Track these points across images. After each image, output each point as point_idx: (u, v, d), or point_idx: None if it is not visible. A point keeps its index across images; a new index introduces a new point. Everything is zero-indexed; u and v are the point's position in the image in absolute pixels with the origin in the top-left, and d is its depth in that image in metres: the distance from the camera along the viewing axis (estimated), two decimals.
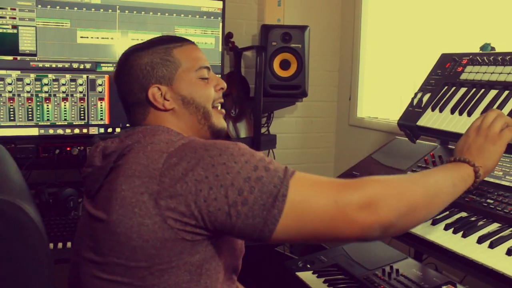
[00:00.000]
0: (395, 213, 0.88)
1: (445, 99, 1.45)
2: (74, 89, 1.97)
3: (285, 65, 2.43)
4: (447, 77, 1.52)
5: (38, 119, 1.93)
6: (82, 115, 2.00)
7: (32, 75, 1.91)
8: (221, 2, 2.18)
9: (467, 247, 1.06)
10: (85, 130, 2.01)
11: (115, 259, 0.90)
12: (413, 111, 1.52)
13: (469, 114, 1.35)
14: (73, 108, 1.98)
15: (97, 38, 2.00)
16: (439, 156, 1.50)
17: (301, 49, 2.41)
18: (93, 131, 2.02)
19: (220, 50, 2.21)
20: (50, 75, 1.94)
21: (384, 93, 2.68)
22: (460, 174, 1.02)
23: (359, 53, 2.72)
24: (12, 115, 1.89)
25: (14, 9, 1.87)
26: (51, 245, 1.60)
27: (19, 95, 1.89)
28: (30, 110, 1.92)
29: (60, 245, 1.61)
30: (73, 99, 1.98)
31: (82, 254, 0.97)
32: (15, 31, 1.87)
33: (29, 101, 1.91)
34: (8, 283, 0.70)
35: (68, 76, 1.96)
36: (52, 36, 1.93)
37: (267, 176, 0.86)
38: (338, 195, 0.86)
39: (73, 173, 2.00)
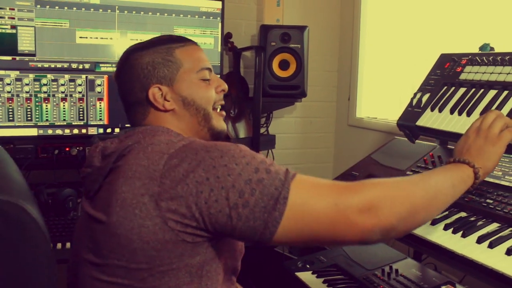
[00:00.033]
0: (396, 216, 0.88)
1: (444, 99, 1.45)
2: (73, 89, 1.97)
3: (284, 65, 2.43)
4: (446, 77, 1.52)
5: (37, 120, 1.93)
6: (81, 115, 1.99)
7: (31, 75, 1.91)
8: (220, 2, 2.18)
9: (467, 247, 1.07)
10: (84, 131, 2.00)
11: (115, 261, 0.89)
12: (413, 111, 1.52)
13: (468, 114, 1.35)
14: (72, 108, 1.98)
15: (96, 38, 1.99)
16: (438, 156, 1.50)
17: (300, 49, 2.41)
18: (92, 131, 2.02)
19: (219, 50, 2.21)
20: (49, 75, 1.94)
21: (383, 93, 2.68)
22: (459, 175, 1.02)
23: (358, 53, 2.72)
24: (11, 116, 1.88)
25: (13, 9, 1.86)
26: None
27: (18, 95, 1.89)
28: (29, 110, 1.91)
29: (59, 245, 1.61)
30: (72, 99, 1.97)
31: (81, 256, 0.97)
32: (14, 31, 1.87)
33: (28, 102, 1.91)
34: (12, 284, 0.70)
35: (67, 76, 1.96)
36: (51, 36, 1.92)
37: (268, 178, 0.86)
38: (339, 198, 0.86)
39: (72, 174, 2.00)
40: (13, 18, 1.87)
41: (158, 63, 1.04)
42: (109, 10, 1.99)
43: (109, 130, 2.04)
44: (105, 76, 2.01)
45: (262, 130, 2.65)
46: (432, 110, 1.46)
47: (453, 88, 1.47)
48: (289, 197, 0.85)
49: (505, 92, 1.31)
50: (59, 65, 1.94)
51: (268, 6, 2.56)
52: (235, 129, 2.46)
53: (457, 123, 1.36)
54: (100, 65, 2.01)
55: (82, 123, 2.00)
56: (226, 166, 0.86)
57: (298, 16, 2.75)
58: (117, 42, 2.02)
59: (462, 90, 1.43)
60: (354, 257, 1.75)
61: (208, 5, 2.16)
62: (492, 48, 1.56)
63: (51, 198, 1.78)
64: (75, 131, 1.99)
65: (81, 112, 1.99)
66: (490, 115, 1.10)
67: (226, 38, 2.46)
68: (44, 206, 1.76)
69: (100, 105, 2.02)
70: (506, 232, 1.11)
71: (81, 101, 1.99)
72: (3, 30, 1.86)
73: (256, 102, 2.34)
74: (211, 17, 2.18)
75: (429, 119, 1.44)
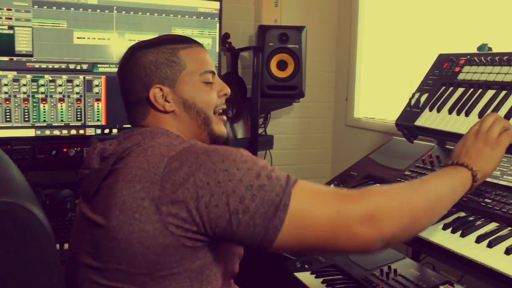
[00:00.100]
0: (397, 226, 0.88)
1: (442, 99, 1.46)
2: (70, 90, 1.97)
3: (282, 65, 2.43)
4: (444, 77, 1.52)
5: (35, 120, 1.92)
6: (78, 116, 1.99)
7: (29, 76, 1.90)
8: (218, 3, 2.18)
9: (466, 246, 1.07)
10: (81, 131, 2.00)
11: (115, 265, 0.88)
12: (411, 111, 1.52)
13: (467, 114, 1.35)
14: (69, 109, 1.97)
15: (94, 38, 1.99)
16: (436, 156, 1.50)
17: (298, 49, 2.41)
18: (90, 132, 2.01)
19: (217, 50, 2.21)
20: (46, 76, 1.93)
21: (380, 93, 2.69)
22: (459, 179, 1.02)
23: (356, 54, 2.73)
24: (8, 116, 1.88)
25: (10, 10, 1.86)
26: None
27: (15, 96, 1.89)
28: (26, 111, 1.91)
29: (57, 246, 1.61)
30: (69, 100, 1.97)
31: (80, 259, 0.96)
32: (11, 31, 1.86)
33: (26, 102, 1.90)
34: (19, 285, 0.70)
35: (64, 77, 1.96)
36: (48, 36, 1.92)
37: (269, 185, 0.85)
38: (341, 207, 0.85)
39: (70, 174, 1.99)
40: (10, 19, 1.86)
41: (161, 63, 1.03)
42: (107, 11, 1.99)
43: (107, 131, 2.04)
44: (103, 77, 2.01)
45: (260, 131, 2.65)
46: (430, 110, 1.47)
47: (451, 88, 1.47)
48: (290, 204, 0.84)
49: (503, 92, 1.32)
50: (56, 66, 1.94)
51: (266, 7, 2.56)
52: (233, 130, 2.46)
53: (456, 123, 1.36)
54: (98, 65, 2.00)
55: (79, 123, 1.99)
56: (227, 171, 0.85)
57: (296, 17, 2.75)
58: (115, 43, 2.02)
59: (460, 90, 1.44)
60: (352, 257, 1.75)
61: (206, 5, 2.16)
62: (490, 48, 1.56)
63: (49, 199, 1.78)
64: (73, 132, 1.99)
65: (78, 113, 1.99)
66: (489, 119, 1.10)
67: (224, 38, 2.46)
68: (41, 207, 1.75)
69: (97, 106, 2.01)
70: (505, 231, 1.11)
71: (78, 102, 1.98)
72: (1, 31, 1.85)
73: (254, 102, 2.34)
74: (209, 18, 2.18)
75: (428, 119, 1.45)
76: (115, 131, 2.05)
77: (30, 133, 1.92)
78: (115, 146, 0.97)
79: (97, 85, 2.00)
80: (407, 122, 1.51)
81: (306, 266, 1.70)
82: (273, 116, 2.78)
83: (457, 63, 1.52)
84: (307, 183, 0.90)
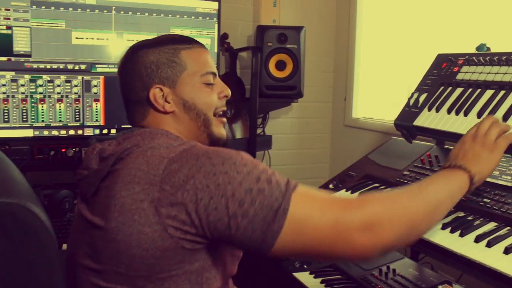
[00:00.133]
0: (396, 234, 0.87)
1: (441, 99, 1.46)
2: (69, 90, 1.96)
3: (280, 65, 2.43)
4: (443, 77, 1.52)
5: (33, 121, 1.92)
6: (77, 116, 1.99)
7: (27, 76, 1.90)
8: (216, 3, 2.18)
9: (465, 246, 1.07)
10: (80, 132, 2.00)
11: (114, 267, 0.88)
12: (410, 111, 1.52)
13: (466, 114, 1.36)
14: (68, 109, 1.97)
15: (92, 39, 1.99)
16: (435, 156, 1.50)
17: (296, 49, 2.41)
18: (88, 132, 2.01)
19: (216, 51, 2.21)
20: (45, 76, 1.93)
21: (379, 93, 2.69)
22: (457, 182, 1.01)
23: (354, 54, 2.73)
24: (6, 117, 1.87)
25: (8, 10, 1.86)
26: None
27: (13, 96, 1.88)
28: (24, 111, 1.90)
29: None
30: (68, 100, 1.97)
31: (79, 261, 0.95)
32: (9, 31, 1.86)
33: (24, 102, 1.90)
34: (22, 286, 0.69)
35: (63, 77, 1.95)
36: (46, 36, 1.92)
37: (269, 189, 0.84)
38: (340, 214, 0.85)
39: (68, 175, 1.99)
40: (9, 19, 1.86)
41: (162, 63, 1.02)
42: (105, 11, 1.99)
43: (105, 131, 2.03)
44: (101, 77, 2.01)
45: (259, 131, 2.65)
46: (429, 110, 1.47)
47: (450, 88, 1.47)
48: (289, 209, 0.84)
49: (502, 92, 1.32)
50: (55, 66, 1.94)
51: (265, 7, 2.56)
52: (231, 130, 2.46)
53: (454, 123, 1.36)
54: (96, 66, 2.00)
55: (78, 124, 1.99)
56: (227, 174, 0.84)
57: (295, 17, 2.75)
58: (113, 43, 2.01)
59: (459, 90, 1.44)
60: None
61: (204, 5, 2.16)
62: (488, 48, 1.57)
63: (47, 200, 1.77)
64: (71, 132, 1.98)
65: (77, 113, 1.98)
66: (486, 122, 1.10)
67: (223, 38, 2.46)
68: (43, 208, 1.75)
69: (96, 106, 2.01)
70: (504, 231, 1.11)
71: (77, 102, 1.98)
72: None
73: (252, 102, 2.34)
74: (208, 18, 2.18)
75: (427, 119, 1.45)
76: (113, 131, 2.05)
77: (28, 133, 1.92)
78: (114, 147, 0.96)
79: (95, 86, 2.00)
80: (406, 122, 1.51)
81: (305, 266, 1.70)
82: (271, 116, 2.78)
83: (455, 63, 1.52)
84: (307, 189, 0.89)
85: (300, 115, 2.89)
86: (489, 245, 1.06)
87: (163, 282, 0.88)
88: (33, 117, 1.92)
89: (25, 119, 1.91)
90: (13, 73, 1.88)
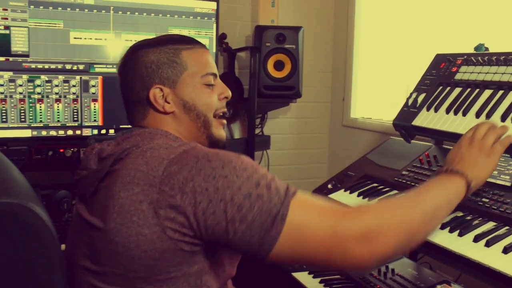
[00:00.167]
0: (393, 244, 0.87)
1: (440, 99, 1.46)
2: (67, 90, 1.96)
3: (279, 66, 2.43)
4: (442, 77, 1.53)
5: (31, 121, 1.92)
6: (75, 116, 1.98)
7: (25, 76, 1.90)
8: (215, 3, 2.18)
9: (464, 245, 1.07)
10: (78, 132, 1.99)
11: (113, 268, 0.88)
12: (408, 111, 1.52)
13: (464, 114, 1.36)
14: (66, 109, 1.96)
15: (91, 39, 1.98)
16: (434, 156, 1.51)
17: (295, 50, 2.41)
18: (87, 132, 2.01)
19: (214, 51, 2.21)
20: (43, 76, 1.92)
21: (377, 93, 2.69)
22: (454, 188, 1.01)
23: (353, 54, 2.73)
24: (4, 117, 1.87)
25: (6, 10, 1.85)
26: None
27: (11, 96, 1.88)
28: (22, 111, 1.90)
29: None
30: (66, 100, 1.96)
31: (77, 262, 0.95)
32: (7, 31, 1.86)
33: (22, 103, 1.90)
34: (24, 286, 0.69)
35: (61, 77, 1.95)
36: (44, 37, 1.91)
37: (268, 195, 0.84)
38: (338, 223, 0.84)
39: (67, 175, 1.98)
40: (6, 19, 1.85)
41: (163, 63, 1.02)
42: (103, 11, 1.98)
43: (103, 131, 2.03)
44: (100, 77, 2.00)
45: (257, 131, 2.65)
46: (428, 110, 1.47)
47: (448, 88, 1.47)
48: (288, 215, 0.83)
49: (500, 92, 1.32)
50: (53, 66, 1.93)
51: (263, 7, 2.56)
52: (230, 130, 2.46)
53: (453, 123, 1.37)
54: (95, 66, 2.00)
55: (76, 124, 1.99)
56: (226, 178, 0.84)
57: (293, 17, 2.75)
58: (112, 43, 2.01)
59: (457, 90, 1.44)
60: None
61: (202, 5, 2.16)
62: (487, 48, 1.57)
63: (46, 200, 1.77)
64: (69, 132, 1.98)
65: (75, 113, 1.98)
66: (483, 126, 1.10)
67: (221, 38, 2.46)
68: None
69: (94, 106, 2.01)
70: (502, 230, 1.11)
71: (75, 102, 1.98)
72: None
73: (251, 102, 2.34)
74: (206, 18, 2.18)
75: (425, 119, 1.45)
76: (111, 131, 2.04)
77: (27, 133, 1.91)
78: (113, 147, 0.96)
79: (93, 86, 2.00)
80: (404, 122, 1.51)
81: (304, 266, 1.70)
82: (270, 116, 2.78)
83: (454, 63, 1.52)
84: (306, 195, 0.88)
85: (299, 115, 2.89)
86: (488, 244, 1.06)
87: (161, 284, 0.88)
88: (31, 117, 1.91)
89: (23, 119, 1.90)
90: (11, 73, 1.87)
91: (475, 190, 1.05)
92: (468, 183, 1.01)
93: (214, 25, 2.20)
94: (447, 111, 1.41)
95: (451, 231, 1.12)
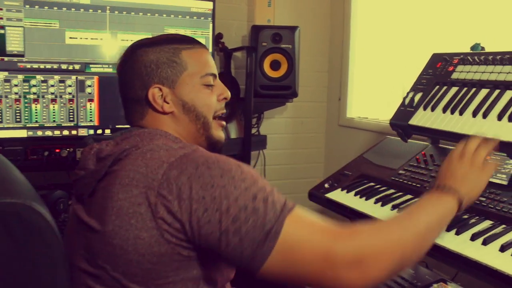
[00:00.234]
0: (385, 270, 0.85)
1: (436, 98, 1.47)
2: (63, 90, 1.95)
3: (275, 65, 2.43)
4: (438, 77, 1.53)
5: (26, 121, 1.90)
6: (71, 116, 1.97)
7: (20, 76, 1.88)
8: (211, 3, 2.18)
9: (461, 244, 1.08)
10: (74, 132, 1.98)
11: (111, 271, 0.87)
12: (405, 111, 1.53)
13: (461, 113, 1.36)
14: (62, 109, 1.95)
15: (86, 38, 1.97)
16: (430, 155, 1.51)
17: (291, 49, 2.41)
18: (83, 132, 2.00)
19: (210, 51, 2.21)
20: (38, 76, 1.91)
21: (373, 93, 2.70)
22: (446, 208, 0.97)
23: (349, 54, 2.73)
24: None
25: (1, 9, 1.84)
26: None
27: (6, 97, 1.86)
28: (18, 111, 1.89)
29: None
30: (62, 100, 1.95)
31: (75, 263, 0.93)
32: (2, 31, 1.84)
33: (17, 103, 1.88)
34: (28, 285, 0.69)
35: (56, 77, 1.94)
36: (40, 36, 1.90)
37: (264, 209, 0.83)
38: (331, 245, 0.82)
39: (63, 175, 1.97)
40: (1, 18, 1.84)
41: (163, 62, 1.01)
42: (99, 11, 1.97)
43: (99, 131, 2.02)
44: (96, 77, 2.00)
45: (253, 131, 2.65)
46: (424, 109, 1.48)
47: (445, 87, 1.48)
48: (281, 232, 0.82)
49: (497, 91, 1.33)
50: (48, 66, 1.92)
51: (259, 7, 2.56)
52: (226, 130, 2.45)
53: (450, 122, 1.37)
54: (90, 66, 1.99)
55: (72, 124, 1.98)
56: (224, 188, 0.83)
57: (289, 17, 2.75)
58: (108, 43, 2.00)
59: (454, 89, 1.45)
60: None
61: (199, 5, 2.16)
62: (483, 48, 1.58)
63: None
64: (65, 132, 1.97)
65: (71, 113, 1.97)
66: (474, 141, 1.08)
67: (217, 38, 2.46)
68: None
69: (90, 106, 2.00)
70: (499, 229, 1.12)
71: (71, 102, 1.97)
72: None
73: (247, 102, 2.34)
74: (202, 18, 2.17)
75: (422, 118, 1.46)
76: (107, 131, 2.03)
77: (22, 134, 1.90)
78: (112, 147, 0.95)
79: (89, 86, 1.99)
80: (401, 122, 1.52)
81: None
82: (266, 116, 2.78)
83: (450, 63, 1.53)
84: (303, 212, 0.87)
85: (295, 115, 2.89)
86: (485, 243, 1.07)
87: None
88: (26, 117, 1.90)
89: (18, 120, 1.89)
90: (6, 73, 1.86)
91: (466, 207, 1.03)
92: (460, 200, 0.99)
93: (211, 25, 2.19)
94: (444, 110, 1.41)
95: (448, 230, 1.13)
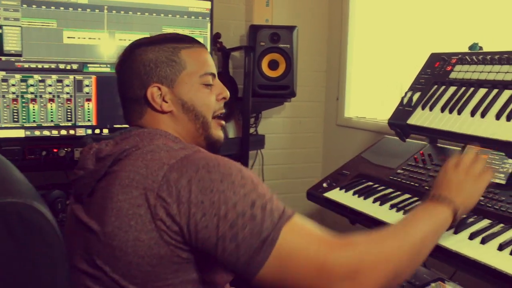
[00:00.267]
0: (380, 283, 0.84)
1: (435, 97, 1.47)
2: (60, 90, 1.95)
3: (273, 65, 2.43)
4: (436, 76, 1.54)
5: (24, 121, 1.90)
6: (69, 116, 1.97)
7: (18, 76, 1.88)
8: (209, 3, 2.18)
9: (459, 243, 1.08)
10: (72, 132, 1.98)
11: (111, 273, 0.86)
12: (404, 110, 1.53)
13: (459, 113, 1.37)
14: (59, 109, 1.95)
15: (84, 38, 1.97)
16: (428, 155, 1.52)
17: (289, 49, 2.41)
18: (80, 132, 1.99)
19: (208, 50, 2.20)
20: (36, 76, 1.91)
21: (371, 93, 2.70)
22: (441, 218, 0.97)
23: (347, 54, 2.74)
24: None
25: None
26: None
27: (4, 96, 1.86)
28: (15, 111, 1.88)
29: None
30: (59, 100, 1.95)
31: (74, 264, 0.93)
32: None
33: (15, 102, 1.88)
34: (29, 286, 0.68)
35: (54, 77, 1.93)
36: (38, 36, 1.89)
37: (262, 216, 0.82)
38: (327, 255, 0.82)
39: (60, 175, 1.97)
40: None
41: (162, 61, 1.00)
42: (97, 10, 1.97)
43: (97, 131, 2.02)
44: (93, 77, 1.99)
45: (251, 130, 2.65)
46: (423, 108, 1.48)
47: (443, 87, 1.48)
48: (278, 240, 0.81)
49: (495, 91, 1.33)
50: (46, 66, 1.92)
51: (257, 6, 2.56)
52: (224, 130, 2.45)
53: (448, 121, 1.37)
54: (88, 65, 1.98)
55: (70, 124, 1.97)
56: (223, 193, 0.82)
57: (287, 16, 2.75)
58: (105, 42, 2.00)
59: (452, 89, 1.45)
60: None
61: (197, 5, 2.16)
62: (481, 48, 1.58)
63: None
64: (63, 132, 1.96)
65: (69, 113, 1.97)
66: (470, 152, 1.08)
67: (215, 38, 2.46)
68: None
69: (88, 106, 1.99)
70: (498, 228, 1.13)
71: (69, 102, 1.96)
72: None
73: (245, 102, 2.33)
74: (200, 17, 2.17)
75: (420, 118, 1.46)
76: (105, 131, 2.03)
77: (20, 133, 1.90)
78: (112, 147, 0.94)
79: (87, 85, 1.98)
80: (399, 121, 1.52)
81: None
82: (264, 116, 2.78)
83: (449, 62, 1.53)
84: (301, 222, 0.86)
85: (293, 115, 2.89)
86: (483, 242, 1.07)
87: None
88: (24, 117, 1.90)
89: (16, 119, 1.88)
90: (3, 72, 1.85)
91: (462, 217, 1.02)
92: (455, 210, 0.98)
93: (209, 25, 2.19)
94: (442, 110, 1.42)
95: (446, 229, 1.13)
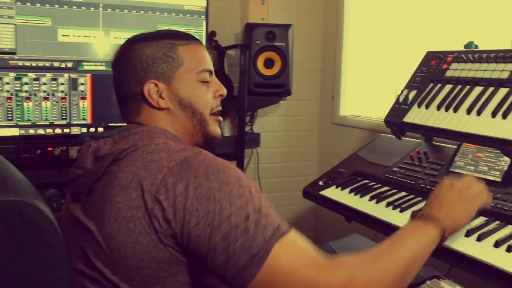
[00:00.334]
0: None
1: (431, 96, 1.48)
2: (55, 88, 1.93)
3: (269, 63, 2.43)
4: (432, 74, 1.54)
5: (18, 119, 1.89)
6: (63, 114, 1.96)
7: (12, 74, 1.87)
8: (204, 1, 2.17)
9: (456, 240, 1.08)
10: (67, 130, 1.97)
11: (109, 275, 0.86)
12: (400, 108, 1.54)
13: (455, 111, 1.37)
14: (54, 107, 1.94)
15: (79, 36, 1.96)
16: (424, 153, 1.52)
17: (285, 47, 2.41)
18: (75, 131, 1.98)
19: None
20: (30, 74, 1.89)
21: (366, 91, 2.71)
22: (428, 238, 0.95)
23: (342, 52, 2.74)
24: None
25: None
26: None
27: None
28: (9, 110, 1.87)
29: None
30: (54, 98, 1.93)
31: (72, 265, 0.91)
32: None
33: (9, 101, 1.86)
34: (29, 285, 0.68)
35: (49, 75, 1.92)
36: (32, 34, 1.88)
37: (254, 232, 0.81)
38: (316, 278, 0.80)
39: (55, 174, 1.96)
40: None
41: (159, 58, 0.99)
42: (92, 8, 1.96)
43: (92, 130, 2.01)
44: (88, 75, 1.98)
45: (247, 129, 2.65)
46: (419, 106, 1.48)
47: (439, 85, 1.49)
48: (268, 258, 0.80)
49: (491, 89, 1.34)
50: (41, 64, 1.90)
51: (253, 5, 2.56)
52: (220, 128, 2.44)
53: (444, 119, 1.38)
54: (83, 63, 1.97)
55: (65, 122, 1.96)
56: (219, 203, 0.81)
57: (283, 15, 2.75)
58: (100, 40, 1.99)
59: (448, 87, 1.46)
60: (343, 253, 1.75)
61: (192, 3, 2.15)
62: (476, 46, 1.59)
63: None
64: (58, 130, 1.95)
65: (63, 112, 1.96)
66: (467, 177, 1.07)
67: (211, 36, 2.45)
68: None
69: (83, 104, 1.98)
70: (493, 225, 1.13)
71: (63, 100, 1.95)
72: None
73: (241, 100, 2.33)
74: (196, 15, 2.16)
75: (416, 116, 1.46)
76: (100, 129, 2.02)
77: (14, 132, 1.88)
78: (111, 146, 0.93)
79: (82, 83, 1.97)
80: (395, 119, 1.52)
81: None
82: (259, 114, 2.78)
83: (444, 61, 1.54)
84: (294, 239, 0.84)
85: (288, 113, 2.89)
86: (479, 239, 1.08)
87: None
88: (18, 115, 1.88)
89: (10, 118, 1.87)
90: None
91: (449, 237, 1.01)
92: (443, 230, 0.96)
93: (204, 23, 2.19)
94: (438, 108, 1.42)
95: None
